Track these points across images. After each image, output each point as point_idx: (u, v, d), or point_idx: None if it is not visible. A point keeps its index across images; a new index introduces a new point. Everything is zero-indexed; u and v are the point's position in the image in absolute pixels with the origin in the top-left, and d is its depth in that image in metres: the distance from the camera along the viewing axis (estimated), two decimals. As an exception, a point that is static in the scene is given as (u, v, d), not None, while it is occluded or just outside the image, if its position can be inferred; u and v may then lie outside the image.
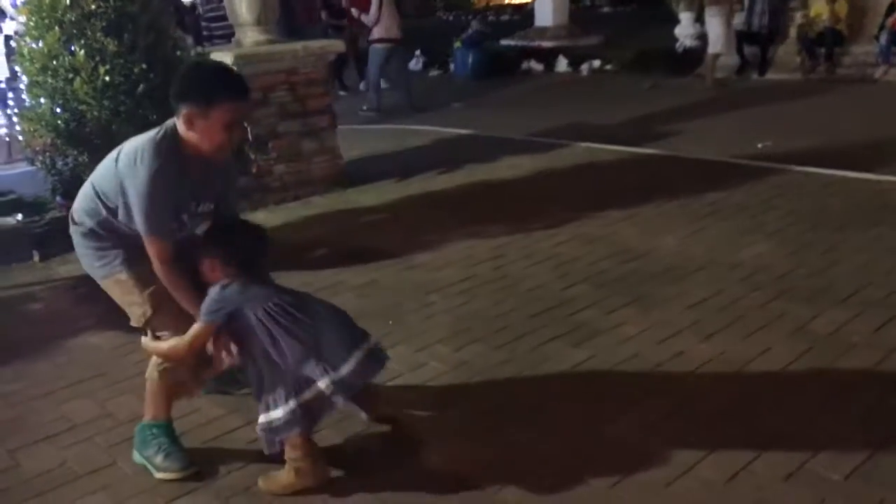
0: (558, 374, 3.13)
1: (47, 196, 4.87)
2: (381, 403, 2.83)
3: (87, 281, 4.43)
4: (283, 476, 2.56)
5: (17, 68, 5.42)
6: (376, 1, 9.59)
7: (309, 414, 2.45)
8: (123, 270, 2.58)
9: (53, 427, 3.03)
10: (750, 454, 2.49)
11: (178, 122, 2.43)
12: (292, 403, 2.42)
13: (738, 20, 10.80)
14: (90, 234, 2.61)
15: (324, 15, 12.03)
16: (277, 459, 2.54)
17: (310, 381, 2.41)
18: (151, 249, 2.46)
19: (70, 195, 4.33)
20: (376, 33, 9.67)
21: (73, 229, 2.67)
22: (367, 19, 9.74)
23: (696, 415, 2.76)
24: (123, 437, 2.90)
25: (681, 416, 2.75)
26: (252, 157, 5.80)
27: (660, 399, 2.87)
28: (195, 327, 2.45)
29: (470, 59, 12.85)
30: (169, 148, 2.42)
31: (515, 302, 3.85)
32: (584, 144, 7.10)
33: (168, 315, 2.55)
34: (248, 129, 5.65)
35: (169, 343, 2.54)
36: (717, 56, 10.28)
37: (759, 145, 6.61)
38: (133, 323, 2.65)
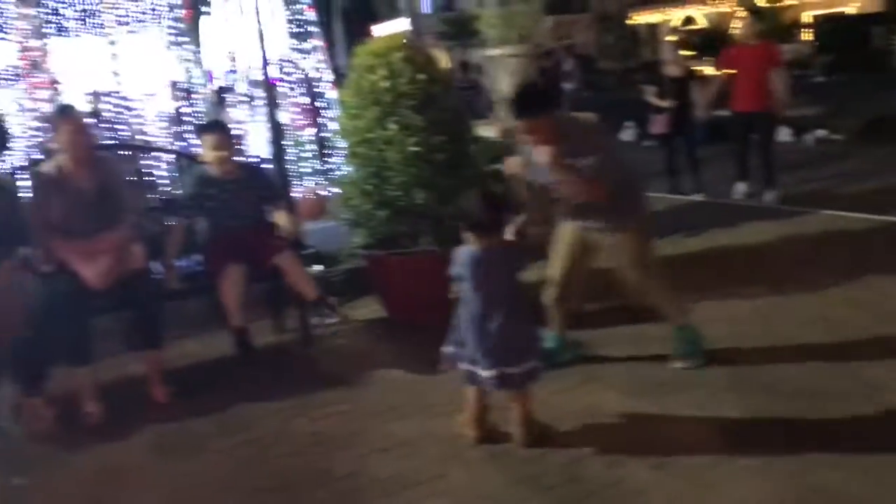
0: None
1: (345, 250, 5.63)
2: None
3: (378, 324, 5.11)
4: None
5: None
6: None
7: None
8: None
9: (385, 441, 3.55)
10: None
11: None
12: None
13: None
14: None
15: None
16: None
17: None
18: None
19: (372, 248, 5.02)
20: None
21: None
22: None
23: None
24: (449, 454, 3.37)
25: None
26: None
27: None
28: None
29: (688, 130, 12.95)
30: None
31: (789, 357, 3.99)
32: (826, 212, 7.05)
33: None
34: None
35: None
36: None
37: None
38: None
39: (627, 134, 14.35)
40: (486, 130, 6.23)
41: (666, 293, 4.01)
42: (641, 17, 30.36)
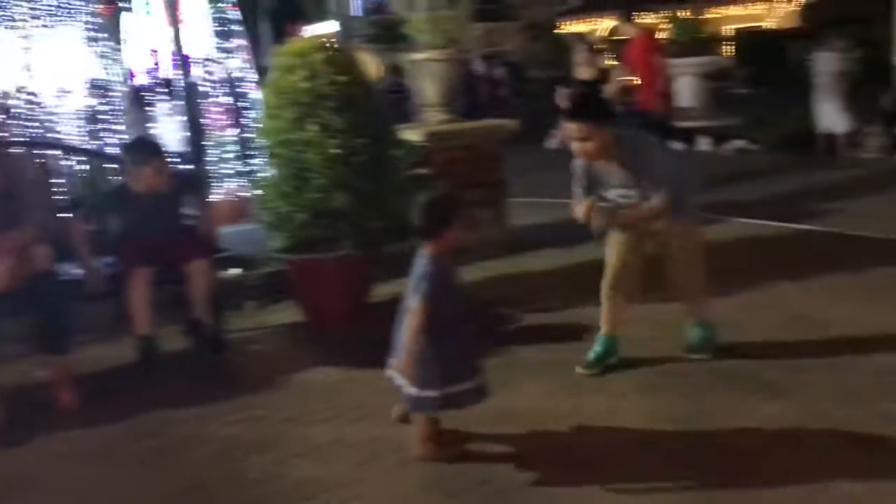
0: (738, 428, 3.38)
1: (263, 253, 5.54)
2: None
3: (295, 329, 5.05)
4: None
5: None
6: None
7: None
8: None
9: (301, 446, 3.50)
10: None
11: None
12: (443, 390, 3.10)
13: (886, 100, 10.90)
14: None
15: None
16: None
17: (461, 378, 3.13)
18: None
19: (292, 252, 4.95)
20: None
21: None
22: None
23: None
24: (365, 459, 3.34)
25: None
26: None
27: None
28: None
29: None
30: None
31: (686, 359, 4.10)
32: (741, 220, 7.28)
33: None
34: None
35: None
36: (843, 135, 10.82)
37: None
38: None
39: (551, 142, 14.57)
40: (411, 134, 6.23)
41: (704, 285, 4.04)
42: (568, 27, 30.88)
